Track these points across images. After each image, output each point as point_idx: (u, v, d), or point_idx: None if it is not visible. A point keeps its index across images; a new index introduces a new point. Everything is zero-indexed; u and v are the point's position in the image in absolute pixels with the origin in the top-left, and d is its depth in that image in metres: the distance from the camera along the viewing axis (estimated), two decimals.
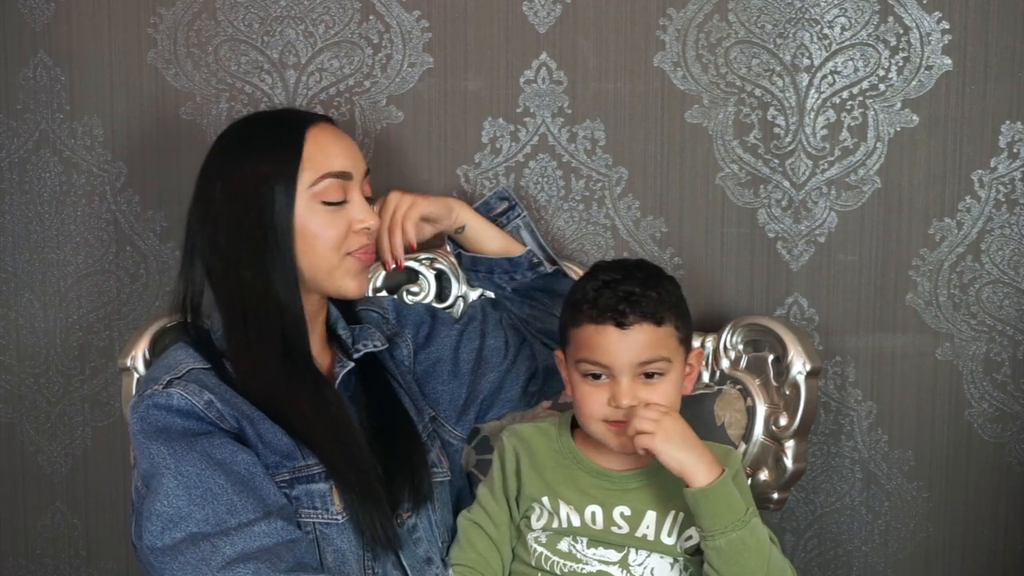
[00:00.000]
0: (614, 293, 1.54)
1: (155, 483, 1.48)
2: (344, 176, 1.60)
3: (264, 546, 1.45)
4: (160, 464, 1.48)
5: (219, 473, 1.47)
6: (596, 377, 1.55)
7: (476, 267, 1.81)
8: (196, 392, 1.52)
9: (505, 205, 1.83)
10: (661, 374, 1.54)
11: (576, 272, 1.90)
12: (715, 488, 1.49)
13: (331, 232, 1.59)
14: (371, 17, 1.97)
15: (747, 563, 1.51)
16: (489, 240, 1.79)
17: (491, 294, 1.86)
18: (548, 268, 1.80)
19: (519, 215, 1.82)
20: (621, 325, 1.53)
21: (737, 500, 1.51)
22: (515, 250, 1.79)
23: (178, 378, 1.53)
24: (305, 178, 1.58)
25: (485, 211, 1.81)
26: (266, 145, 1.60)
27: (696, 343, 1.83)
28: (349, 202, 1.61)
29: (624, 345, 1.53)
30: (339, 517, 1.55)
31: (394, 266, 1.71)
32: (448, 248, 1.86)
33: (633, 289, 1.54)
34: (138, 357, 1.83)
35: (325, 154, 1.60)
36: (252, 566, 1.43)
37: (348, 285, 1.62)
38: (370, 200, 1.67)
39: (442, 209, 1.75)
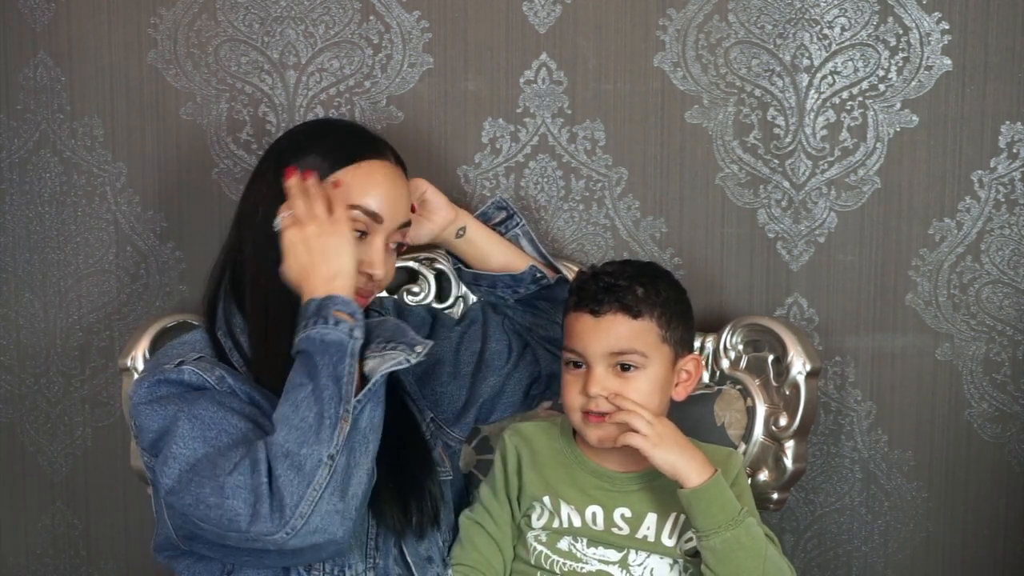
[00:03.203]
0: (597, 283, 1.56)
1: (173, 429, 1.47)
2: (374, 217, 1.59)
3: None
4: (173, 414, 1.47)
5: (232, 415, 1.47)
6: (577, 367, 1.57)
7: (478, 282, 1.81)
8: (208, 368, 1.52)
9: (503, 215, 1.82)
10: (636, 367, 1.55)
11: (575, 273, 1.91)
12: (708, 488, 1.50)
13: None
14: (371, 17, 1.97)
15: (743, 562, 1.51)
16: (491, 250, 1.79)
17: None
18: (551, 279, 1.79)
19: (518, 224, 1.82)
20: (595, 313, 1.55)
21: (730, 500, 1.51)
22: (518, 266, 1.78)
23: (188, 361, 1.54)
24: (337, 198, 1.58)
25: (483, 221, 1.81)
26: (325, 147, 1.60)
27: (696, 343, 1.83)
28: (368, 242, 1.60)
29: (596, 333, 1.55)
30: None
31: None
32: (449, 262, 1.86)
33: (617, 282, 1.56)
34: (138, 357, 1.83)
35: (368, 189, 1.59)
36: (248, 458, 1.42)
37: None
38: (400, 246, 1.66)
39: (444, 200, 1.75)
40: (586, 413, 1.56)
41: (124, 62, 2.01)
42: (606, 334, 1.54)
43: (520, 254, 1.80)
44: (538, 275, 1.78)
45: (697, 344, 1.85)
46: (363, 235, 1.59)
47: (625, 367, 1.55)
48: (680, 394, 1.61)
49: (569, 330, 1.58)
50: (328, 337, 1.45)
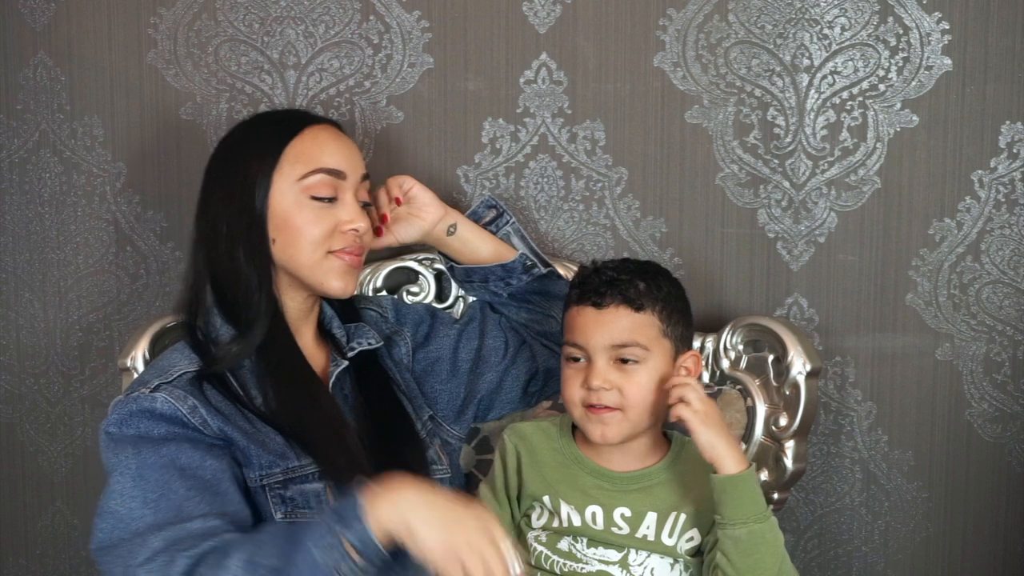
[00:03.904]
0: (599, 277, 1.57)
1: (113, 481, 1.48)
2: (336, 174, 1.61)
3: (190, 533, 1.42)
4: (123, 464, 1.48)
5: (177, 478, 1.47)
6: (577, 360, 1.58)
7: (470, 278, 1.81)
8: (181, 397, 1.52)
9: (493, 213, 1.83)
10: (637, 361, 1.55)
11: (574, 272, 1.91)
12: (744, 477, 1.50)
13: (316, 228, 1.60)
14: (371, 17, 1.97)
15: (763, 557, 1.51)
16: (481, 244, 1.79)
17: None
18: (542, 269, 1.80)
19: (508, 222, 1.82)
20: (597, 305, 1.56)
21: (760, 495, 1.52)
22: (507, 255, 1.79)
23: (167, 383, 1.54)
24: (296, 170, 1.60)
25: (473, 221, 1.82)
26: (264, 135, 1.63)
27: (696, 343, 1.83)
28: (340, 202, 1.62)
29: (598, 325, 1.55)
30: None
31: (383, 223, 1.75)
32: (441, 262, 1.86)
33: (619, 276, 1.57)
34: (138, 357, 1.83)
35: (320, 150, 1.61)
36: (167, 556, 1.40)
37: (331, 284, 1.62)
38: (367, 206, 1.67)
39: (432, 196, 1.76)
40: (588, 407, 1.56)
41: (124, 62, 2.02)
42: (608, 326, 1.55)
43: (509, 247, 1.80)
44: (528, 263, 1.79)
45: (697, 344, 1.85)
46: (332, 200, 1.61)
47: (626, 360, 1.55)
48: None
49: (570, 324, 1.59)
50: (320, 562, 1.34)
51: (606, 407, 1.55)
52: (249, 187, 1.59)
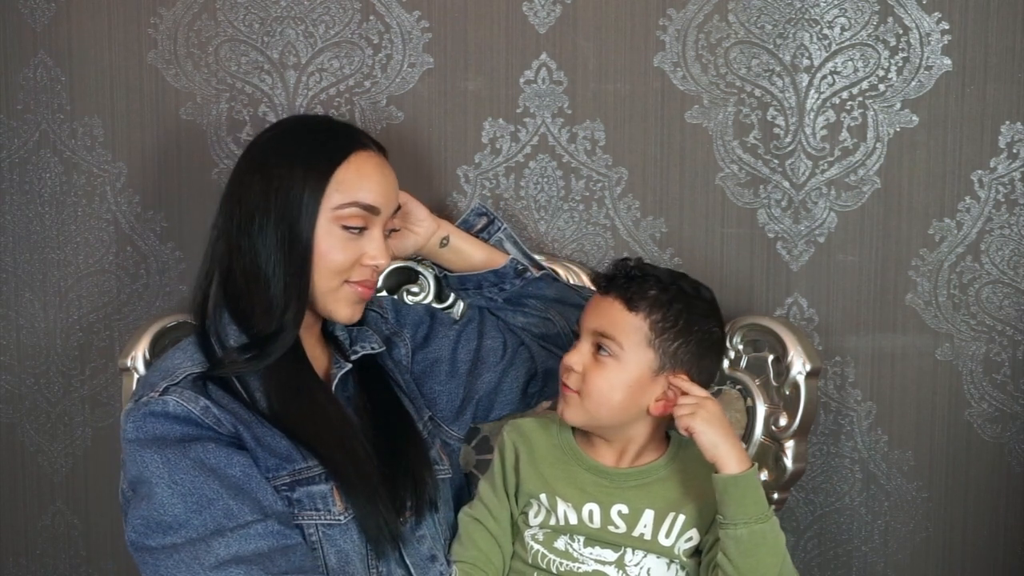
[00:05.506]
0: (621, 269, 1.59)
1: (146, 490, 1.49)
2: (371, 210, 1.60)
3: (258, 549, 1.46)
4: (153, 472, 1.49)
5: (213, 479, 1.48)
6: (577, 337, 1.60)
7: (464, 285, 1.82)
8: (192, 399, 1.52)
9: (484, 220, 1.84)
10: (609, 355, 1.56)
11: (574, 273, 1.91)
12: (747, 477, 1.50)
13: (340, 256, 1.60)
14: (371, 17, 1.97)
15: (764, 558, 1.51)
16: (473, 252, 1.80)
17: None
18: (535, 273, 1.80)
19: (500, 228, 1.83)
20: (601, 290, 1.59)
21: (763, 495, 1.52)
22: (498, 261, 1.80)
23: (175, 384, 1.54)
24: (334, 199, 1.58)
25: (465, 229, 1.82)
26: (310, 152, 1.60)
27: None
28: (367, 234, 1.61)
29: (593, 309, 1.59)
30: (341, 518, 1.55)
31: None
32: (435, 269, 1.87)
33: (636, 275, 1.58)
34: (138, 357, 1.83)
35: (361, 183, 1.60)
36: (243, 568, 1.44)
37: (340, 311, 1.62)
38: (394, 231, 1.69)
39: (425, 211, 1.76)
40: (562, 384, 1.59)
41: (124, 62, 2.02)
42: (599, 313, 1.57)
43: (501, 253, 1.81)
44: (519, 267, 1.79)
45: None
46: (361, 230, 1.60)
47: (600, 349, 1.56)
48: (657, 409, 1.58)
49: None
50: None
51: (566, 386, 1.57)
52: (291, 208, 1.58)
